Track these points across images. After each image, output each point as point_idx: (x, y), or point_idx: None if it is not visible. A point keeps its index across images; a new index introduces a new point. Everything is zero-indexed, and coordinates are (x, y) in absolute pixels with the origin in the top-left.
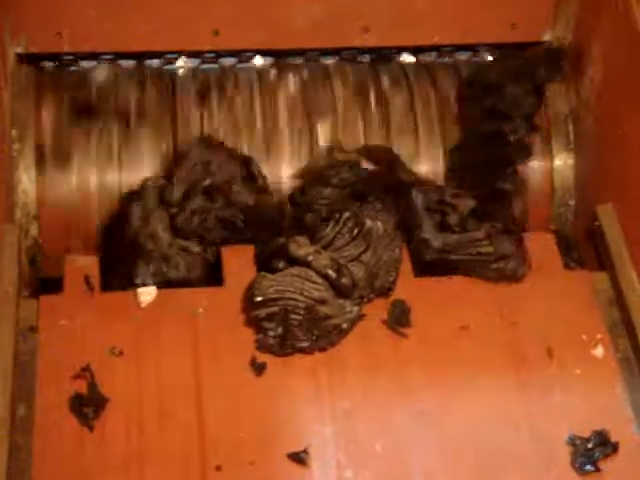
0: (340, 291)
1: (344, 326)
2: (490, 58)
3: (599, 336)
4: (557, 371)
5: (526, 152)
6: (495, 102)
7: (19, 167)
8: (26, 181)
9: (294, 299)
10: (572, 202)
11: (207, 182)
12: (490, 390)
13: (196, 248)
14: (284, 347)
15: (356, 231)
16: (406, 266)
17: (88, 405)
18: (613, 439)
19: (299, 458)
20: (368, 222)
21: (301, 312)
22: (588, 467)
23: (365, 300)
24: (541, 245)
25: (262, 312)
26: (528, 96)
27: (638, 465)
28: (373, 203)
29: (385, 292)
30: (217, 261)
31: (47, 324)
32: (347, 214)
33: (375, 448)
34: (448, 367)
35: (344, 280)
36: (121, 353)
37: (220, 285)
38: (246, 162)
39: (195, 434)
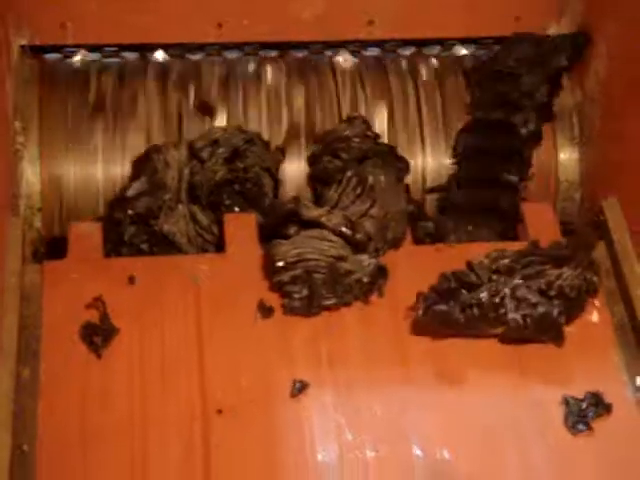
0: (356, 246)
1: (365, 280)
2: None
3: (595, 302)
4: None
5: (537, 142)
6: (509, 91)
7: (23, 159)
8: (30, 173)
9: (315, 259)
10: (577, 196)
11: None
12: (486, 357)
13: (201, 217)
14: (311, 307)
15: (360, 189)
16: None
17: (97, 335)
18: (607, 401)
19: (298, 387)
20: (370, 178)
21: (323, 271)
22: (581, 426)
23: (381, 253)
24: (539, 215)
25: (285, 277)
26: (543, 85)
27: (630, 426)
28: (373, 159)
29: (398, 243)
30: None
31: (51, 289)
32: (349, 173)
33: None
34: (445, 335)
35: (359, 236)
36: (122, 317)
37: (222, 252)
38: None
39: (196, 381)
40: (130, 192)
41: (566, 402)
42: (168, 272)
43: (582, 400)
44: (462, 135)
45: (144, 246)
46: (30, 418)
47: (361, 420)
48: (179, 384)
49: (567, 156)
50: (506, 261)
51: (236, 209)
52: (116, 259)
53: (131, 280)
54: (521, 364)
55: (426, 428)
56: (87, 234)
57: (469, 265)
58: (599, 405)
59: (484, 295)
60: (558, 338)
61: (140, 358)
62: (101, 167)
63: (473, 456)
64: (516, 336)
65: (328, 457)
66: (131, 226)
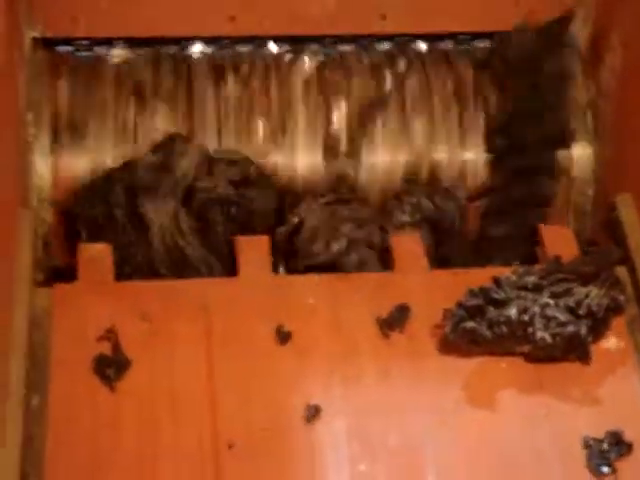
0: None
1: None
2: None
3: (617, 331)
4: (575, 367)
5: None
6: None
7: (35, 151)
8: (42, 165)
9: None
10: (590, 192)
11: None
12: (508, 386)
13: (183, 218)
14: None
15: None
16: (422, 260)
17: (110, 367)
18: (627, 439)
19: (311, 413)
20: None
21: None
22: (604, 469)
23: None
24: (558, 237)
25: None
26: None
27: None
28: None
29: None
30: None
31: (61, 313)
32: None
33: (389, 441)
34: (465, 362)
35: None
36: (133, 346)
37: (234, 276)
38: None
39: (207, 414)
40: (141, 161)
41: (587, 444)
42: (180, 297)
43: (602, 440)
44: (497, 135)
45: (118, 211)
46: (38, 447)
47: (375, 452)
48: (190, 417)
49: (580, 152)
50: (533, 278)
51: (220, 228)
52: (128, 283)
53: (145, 316)
54: (544, 395)
55: (444, 459)
56: (97, 256)
57: (496, 281)
58: (620, 444)
59: (513, 312)
60: (585, 357)
61: (150, 390)
62: (112, 158)
63: None
64: (543, 355)
65: None
66: (120, 192)
